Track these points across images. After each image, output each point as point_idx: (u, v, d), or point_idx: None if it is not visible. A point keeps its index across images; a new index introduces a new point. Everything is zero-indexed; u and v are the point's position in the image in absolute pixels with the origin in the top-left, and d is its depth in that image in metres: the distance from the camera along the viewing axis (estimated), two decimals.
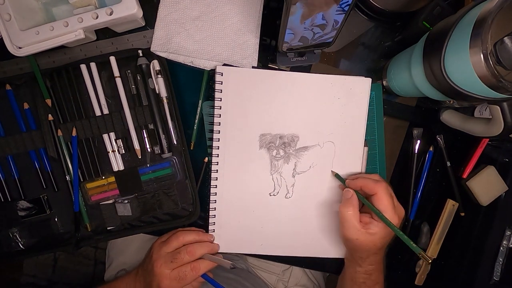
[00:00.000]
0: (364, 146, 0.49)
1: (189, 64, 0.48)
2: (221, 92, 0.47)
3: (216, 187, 0.48)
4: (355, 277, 0.46)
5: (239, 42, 0.47)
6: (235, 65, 0.47)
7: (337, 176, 0.48)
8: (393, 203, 0.42)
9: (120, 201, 0.48)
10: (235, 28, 0.47)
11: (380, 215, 0.41)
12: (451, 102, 0.50)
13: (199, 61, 0.47)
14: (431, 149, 0.52)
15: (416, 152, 0.52)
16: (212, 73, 0.48)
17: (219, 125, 0.47)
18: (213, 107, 0.47)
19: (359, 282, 0.46)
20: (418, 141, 0.52)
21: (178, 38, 0.46)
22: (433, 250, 0.53)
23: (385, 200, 0.41)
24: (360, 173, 0.49)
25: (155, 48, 0.46)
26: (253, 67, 0.48)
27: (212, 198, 0.48)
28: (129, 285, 0.48)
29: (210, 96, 0.49)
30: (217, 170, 0.48)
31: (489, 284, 0.55)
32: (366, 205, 0.43)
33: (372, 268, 0.45)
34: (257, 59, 0.48)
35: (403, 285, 0.56)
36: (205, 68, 0.48)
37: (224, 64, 0.48)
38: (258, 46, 0.47)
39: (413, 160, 0.52)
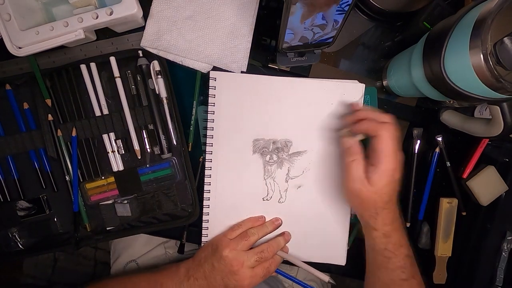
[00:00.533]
0: None
1: (178, 63, 0.48)
2: (214, 97, 0.47)
3: (209, 191, 0.48)
4: (375, 244, 0.41)
5: (230, 45, 0.47)
6: (224, 68, 0.47)
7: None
8: (396, 148, 0.38)
9: (119, 201, 0.48)
10: (228, 31, 0.47)
11: None
12: (451, 102, 0.50)
13: (188, 61, 0.47)
14: (437, 150, 0.52)
15: (416, 152, 0.52)
16: (207, 77, 0.48)
17: (213, 130, 0.47)
18: (207, 111, 0.47)
19: (381, 249, 0.41)
20: (418, 141, 0.52)
21: (169, 36, 0.46)
22: (442, 249, 0.53)
23: (388, 144, 0.38)
24: (366, 109, 0.45)
25: (145, 43, 0.46)
26: (242, 72, 0.48)
27: (205, 202, 0.48)
28: (176, 282, 0.45)
29: (205, 100, 0.49)
30: (210, 175, 0.48)
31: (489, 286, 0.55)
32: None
33: (389, 228, 0.40)
34: (246, 64, 0.48)
35: None
36: (194, 68, 0.48)
37: (214, 67, 0.48)
38: (249, 51, 0.47)
39: (413, 160, 0.52)
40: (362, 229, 0.45)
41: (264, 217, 0.49)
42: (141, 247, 0.60)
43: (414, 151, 0.52)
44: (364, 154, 0.41)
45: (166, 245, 0.61)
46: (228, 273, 0.43)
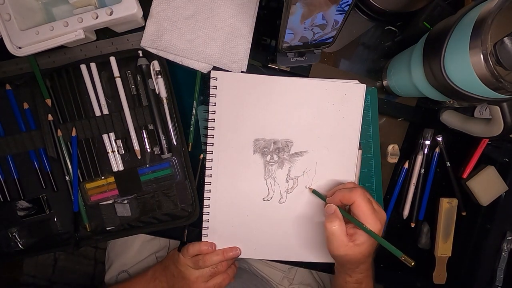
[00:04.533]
0: (358, 149, 0.49)
1: (178, 63, 0.48)
2: (215, 97, 0.47)
3: (209, 191, 0.48)
4: (345, 287, 0.45)
5: (230, 45, 0.47)
6: (224, 68, 0.47)
7: (314, 192, 0.48)
8: (373, 208, 0.40)
9: (119, 201, 0.48)
10: (228, 31, 0.47)
11: (362, 226, 0.40)
12: (451, 102, 0.50)
13: (188, 61, 0.47)
14: (437, 150, 0.52)
15: (426, 152, 0.52)
16: (207, 77, 0.48)
17: (213, 129, 0.47)
18: (207, 111, 0.47)
19: None
20: (428, 142, 0.52)
21: (169, 36, 0.46)
22: (442, 249, 0.53)
23: (363, 206, 0.40)
24: (337, 185, 0.48)
25: (145, 43, 0.46)
26: (242, 72, 0.48)
27: (205, 202, 0.48)
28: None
29: (205, 100, 0.49)
30: (210, 174, 0.48)
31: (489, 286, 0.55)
32: (348, 218, 0.42)
33: (362, 276, 0.44)
34: (247, 64, 0.48)
35: (403, 285, 0.56)
36: (194, 68, 0.48)
37: (214, 67, 0.48)
38: (249, 51, 0.47)
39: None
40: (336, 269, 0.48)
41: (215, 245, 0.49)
42: (133, 256, 0.61)
43: (424, 151, 0.52)
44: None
45: (158, 254, 0.61)
46: (184, 285, 0.48)
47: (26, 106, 0.47)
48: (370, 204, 0.41)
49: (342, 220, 0.41)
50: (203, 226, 0.49)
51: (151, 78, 0.47)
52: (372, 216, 0.40)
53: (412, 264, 0.37)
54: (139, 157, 0.48)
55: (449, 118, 0.49)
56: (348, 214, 0.42)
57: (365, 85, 0.48)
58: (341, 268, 0.46)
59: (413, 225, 0.53)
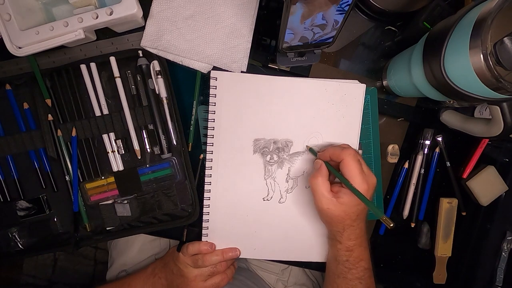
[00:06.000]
0: (358, 149, 0.49)
1: (178, 63, 0.48)
2: (215, 96, 0.47)
3: (209, 191, 0.48)
4: (337, 255, 0.45)
5: (230, 45, 0.47)
6: (224, 68, 0.47)
7: (310, 150, 0.48)
8: (361, 169, 0.40)
9: (119, 201, 0.48)
10: (228, 30, 0.47)
11: (345, 182, 0.40)
12: (451, 102, 0.50)
13: (188, 61, 0.47)
14: (437, 150, 0.52)
15: (425, 152, 0.52)
16: (207, 77, 0.48)
17: (213, 129, 0.47)
18: (207, 111, 0.47)
19: (342, 260, 0.44)
20: (428, 142, 0.52)
21: (169, 36, 0.46)
22: (442, 249, 0.53)
23: (351, 166, 0.40)
24: (331, 144, 0.48)
25: (145, 43, 0.46)
26: (242, 72, 0.48)
27: (205, 202, 0.48)
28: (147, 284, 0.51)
29: (205, 100, 0.49)
30: (210, 174, 0.48)
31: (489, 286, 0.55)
32: (334, 174, 0.42)
33: (353, 243, 0.43)
34: (246, 64, 0.48)
35: (403, 285, 0.56)
36: (194, 68, 0.48)
37: (214, 67, 0.48)
38: (249, 51, 0.47)
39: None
40: (328, 239, 0.48)
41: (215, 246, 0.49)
42: (133, 256, 0.61)
43: (424, 151, 0.52)
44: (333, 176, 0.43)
45: (158, 256, 0.61)
46: (182, 283, 0.48)
47: (26, 106, 0.47)
48: (358, 164, 0.40)
49: (326, 177, 0.42)
50: (203, 226, 0.49)
51: (151, 78, 0.47)
52: (359, 176, 0.40)
53: (391, 225, 0.37)
54: (139, 157, 0.48)
55: (449, 118, 0.49)
56: (335, 170, 0.42)
57: (365, 85, 0.48)
58: (331, 234, 0.46)
59: (413, 225, 0.53)
